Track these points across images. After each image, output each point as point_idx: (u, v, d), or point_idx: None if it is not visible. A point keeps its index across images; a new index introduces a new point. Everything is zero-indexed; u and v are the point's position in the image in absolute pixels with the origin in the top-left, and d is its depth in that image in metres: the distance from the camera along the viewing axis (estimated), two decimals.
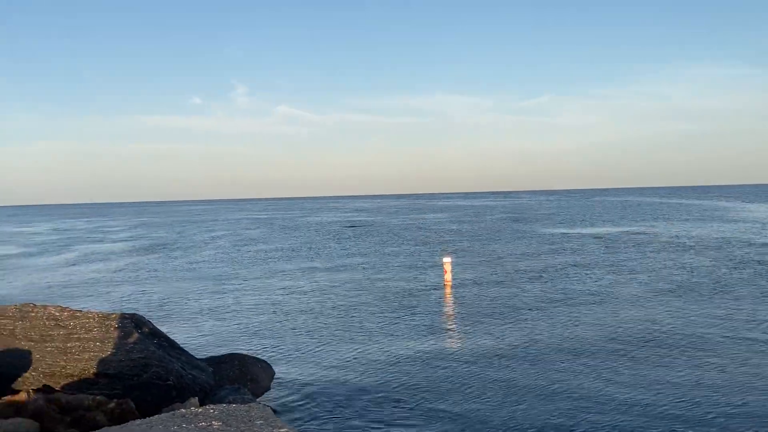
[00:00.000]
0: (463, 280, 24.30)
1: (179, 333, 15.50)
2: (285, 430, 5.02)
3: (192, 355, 10.12)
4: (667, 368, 12.15)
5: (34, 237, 65.30)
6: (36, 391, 7.68)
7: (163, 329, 10.39)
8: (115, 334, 8.77)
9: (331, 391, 11.44)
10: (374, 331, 16.19)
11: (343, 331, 16.31)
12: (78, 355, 8.46)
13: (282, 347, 14.88)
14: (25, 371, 8.26)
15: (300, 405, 10.78)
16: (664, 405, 10.17)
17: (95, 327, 8.79)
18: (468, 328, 16.30)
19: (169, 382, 8.59)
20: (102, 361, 8.44)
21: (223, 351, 12.94)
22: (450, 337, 15.51)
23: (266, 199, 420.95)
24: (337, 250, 39.14)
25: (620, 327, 15.65)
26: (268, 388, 10.84)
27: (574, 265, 27.70)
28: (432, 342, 14.93)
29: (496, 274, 26.07)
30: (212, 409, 5.57)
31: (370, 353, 14.08)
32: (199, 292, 24.05)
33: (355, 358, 13.69)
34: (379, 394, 11.19)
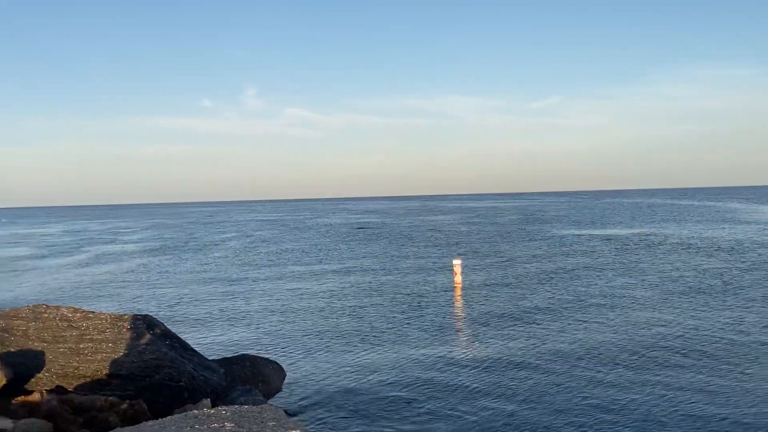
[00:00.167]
0: (473, 282, 24.24)
1: (191, 334, 15.56)
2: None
3: (204, 356, 10.14)
4: (679, 373, 12.06)
5: (47, 238, 65.81)
6: (49, 391, 7.73)
7: (175, 330, 10.43)
8: (128, 335, 8.81)
9: (343, 393, 11.44)
10: (385, 334, 16.18)
11: (354, 333, 16.31)
12: (91, 356, 8.50)
13: (293, 348, 14.90)
14: (39, 372, 8.30)
15: (311, 406, 10.78)
16: (676, 410, 10.08)
17: (108, 328, 8.84)
18: (478, 330, 16.25)
19: (181, 384, 8.61)
20: (114, 362, 8.47)
21: (235, 352, 12.98)
22: (460, 340, 15.47)
23: (276, 201, 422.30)
24: (348, 252, 39.18)
25: (632, 331, 15.55)
26: (279, 390, 10.84)
27: (585, 268, 27.57)
28: (441, 345, 14.89)
29: (506, 276, 25.98)
30: (224, 410, 5.59)
31: (380, 355, 14.07)
32: (210, 293, 24.14)
33: (365, 360, 13.68)
34: (391, 396, 11.18)
